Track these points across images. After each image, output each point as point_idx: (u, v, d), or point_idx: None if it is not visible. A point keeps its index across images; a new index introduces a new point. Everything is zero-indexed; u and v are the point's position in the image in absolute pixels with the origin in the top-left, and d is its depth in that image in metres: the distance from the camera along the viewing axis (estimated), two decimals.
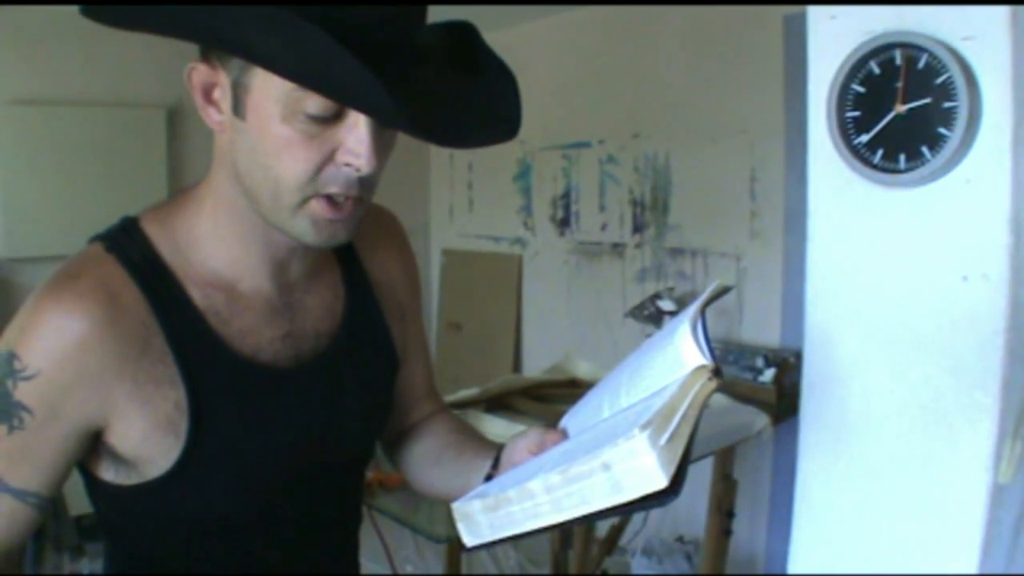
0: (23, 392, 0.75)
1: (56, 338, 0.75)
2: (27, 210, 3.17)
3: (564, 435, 0.84)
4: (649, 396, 0.74)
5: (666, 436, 0.64)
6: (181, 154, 3.43)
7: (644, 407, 0.71)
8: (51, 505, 0.82)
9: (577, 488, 0.67)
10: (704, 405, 0.68)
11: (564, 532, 2.28)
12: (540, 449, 0.83)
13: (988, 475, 0.97)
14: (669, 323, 0.85)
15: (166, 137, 3.41)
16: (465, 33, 0.82)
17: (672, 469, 0.63)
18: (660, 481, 0.63)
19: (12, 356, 0.75)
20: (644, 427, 0.64)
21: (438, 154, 4.25)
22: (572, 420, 0.87)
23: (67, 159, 3.22)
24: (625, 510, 0.66)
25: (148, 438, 0.79)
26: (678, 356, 0.73)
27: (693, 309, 0.78)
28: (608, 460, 0.65)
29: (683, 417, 0.65)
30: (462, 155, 4.10)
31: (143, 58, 3.22)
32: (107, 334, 0.76)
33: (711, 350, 0.72)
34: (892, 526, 1.06)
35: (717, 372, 0.69)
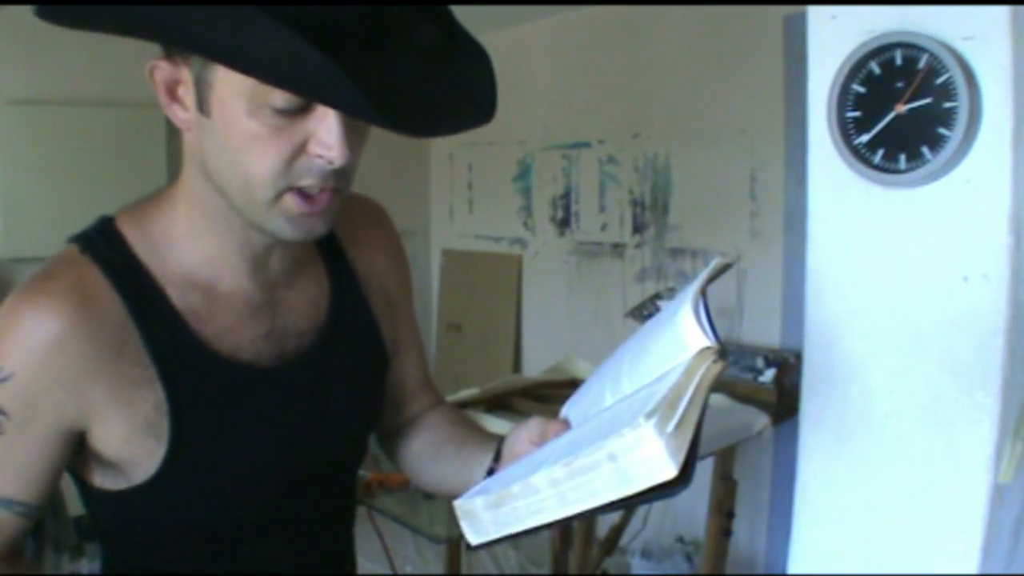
0: None
1: (29, 339, 0.74)
2: (27, 210, 3.16)
3: (566, 424, 0.82)
4: (652, 381, 0.71)
5: (673, 423, 0.61)
6: (181, 154, 3.41)
7: (648, 394, 0.68)
8: (40, 514, 0.81)
9: (583, 481, 0.64)
10: (711, 388, 0.65)
11: (564, 532, 2.27)
12: (542, 439, 0.82)
13: (988, 475, 0.97)
14: (669, 304, 0.82)
15: (166, 137, 3.40)
16: (438, 14, 0.78)
17: (681, 457, 0.60)
18: (669, 470, 0.60)
19: None
20: (650, 415, 0.61)
21: (438, 154, 4.25)
22: (573, 408, 0.85)
23: (67, 159, 3.21)
24: (634, 502, 0.64)
25: (129, 440, 0.78)
26: (680, 338, 0.71)
27: (694, 289, 0.75)
28: (614, 451, 0.62)
29: (690, 402, 0.63)
30: (462, 155, 4.09)
31: (143, 58, 3.19)
32: (81, 335, 0.75)
33: (714, 330, 0.70)
34: (892, 526, 1.06)
35: (723, 353, 0.67)
